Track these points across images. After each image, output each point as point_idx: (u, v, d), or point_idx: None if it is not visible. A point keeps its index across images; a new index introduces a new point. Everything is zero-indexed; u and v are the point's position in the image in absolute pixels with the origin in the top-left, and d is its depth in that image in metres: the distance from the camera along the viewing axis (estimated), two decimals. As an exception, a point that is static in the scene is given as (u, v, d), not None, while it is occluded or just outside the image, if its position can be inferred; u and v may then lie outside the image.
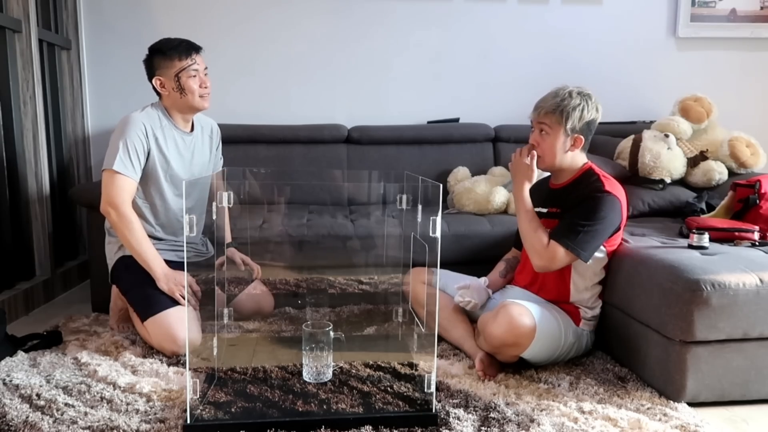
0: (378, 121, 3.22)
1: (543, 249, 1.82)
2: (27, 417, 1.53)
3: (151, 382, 1.74)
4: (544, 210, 1.96)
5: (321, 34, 3.22)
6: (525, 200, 1.91)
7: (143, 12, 3.11)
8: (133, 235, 1.98)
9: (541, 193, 2.03)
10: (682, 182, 2.82)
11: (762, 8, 3.40)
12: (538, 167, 1.95)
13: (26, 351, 1.99)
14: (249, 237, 2.40)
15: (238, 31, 3.17)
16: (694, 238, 1.91)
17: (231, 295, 2.21)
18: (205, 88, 2.08)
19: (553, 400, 1.67)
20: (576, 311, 1.91)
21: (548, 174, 2.05)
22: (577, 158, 1.92)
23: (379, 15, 3.23)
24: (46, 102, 2.79)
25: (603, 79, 3.27)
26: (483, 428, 1.51)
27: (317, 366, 1.73)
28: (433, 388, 1.57)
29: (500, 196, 2.68)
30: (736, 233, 2.04)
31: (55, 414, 1.55)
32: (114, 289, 2.18)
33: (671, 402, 1.69)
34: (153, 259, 1.99)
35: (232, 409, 1.55)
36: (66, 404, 1.60)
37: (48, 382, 1.74)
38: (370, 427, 1.49)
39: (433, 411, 1.55)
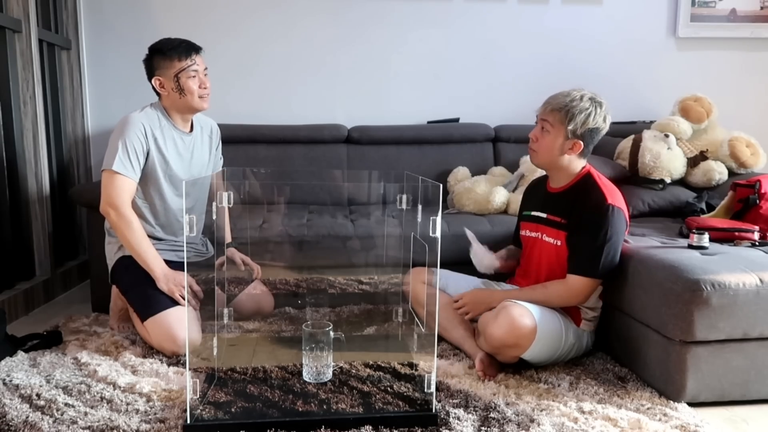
0: (378, 121, 3.22)
1: (567, 295, 1.85)
2: (27, 417, 1.53)
3: (151, 382, 1.74)
4: (543, 215, 1.95)
5: (321, 34, 3.22)
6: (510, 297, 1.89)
7: (143, 12, 3.11)
8: (133, 235, 1.98)
9: (538, 195, 2.03)
10: (682, 182, 2.82)
11: (762, 8, 3.40)
12: (532, 162, 1.96)
13: (26, 351, 1.99)
14: (249, 237, 2.40)
15: (238, 31, 3.17)
16: (694, 238, 1.91)
17: (231, 295, 2.21)
18: (205, 88, 2.08)
19: (553, 400, 1.67)
20: (577, 312, 1.91)
21: (544, 173, 2.05)
22: (574, 162, 1.90)
23: (379, 15, 3.23)
24: (46, 102, 2.79)
25: (603, 79, 3.27)
26: (483, 428, 1.51)
27: (317, 366, 1.73)
28: (433, 388, 1.57)
29: (500, 196, 2.68)
30: (736, 233, 2.04)
31: (55, 414, 1.55)
32: (114, 289, 2.18)
33: (671, 402, 1.69)
34: (153, 260, 1.99)
35: (232, 409, 1.55)
36: (66, 404, 1.60)
37: (48, 382, 1.74)
38: (370, 427, 1.49)
39: (433, 411, 1.55)
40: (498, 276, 2.15)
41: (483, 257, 2.12)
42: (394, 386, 1.71)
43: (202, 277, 2.11)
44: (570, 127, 1.83)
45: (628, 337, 1.89)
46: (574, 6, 3.32)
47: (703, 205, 2.55)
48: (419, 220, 1.84)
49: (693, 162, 2.80)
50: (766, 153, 2.82)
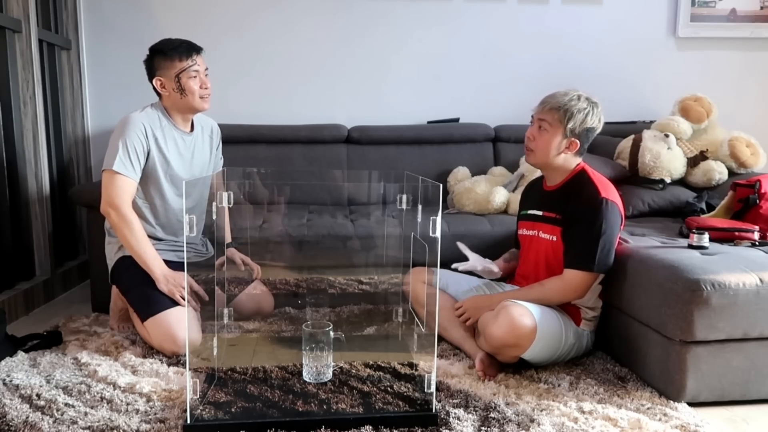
0: (378, 121, 3.22)
1: (564, 291, 1.85)
2: (27, 417, 1.53)
3: (151, 382, 1.74)
4: (540, 213, 1.96)
5: (321, 34, 3.22)
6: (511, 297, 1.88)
7: (143, 12, 3.11)
8: (133, 235, 1.98)
9: (535, 194, 2.04)
10: (682, 182, 2.82)
11: (762, 8, 3.40)
12: (527, 161, 1.97)
13: (26, 351, 1.99)
14: (249, 237, 2.40)
15: (238, 31, 3.17)
16: (694, 238, 1.91)
17: (231, 295, 2.21)
18: (206, 89, 2.08)
19: (553, 400, 1.67)
20: (577, 311, 1.91)
21: (540, 174, 2.05)
22: (569, 161, 1.92)
23: (379, 15, 3.23)
24: (46, 102, 2.79)
25: (603, 79, 3.27)
26: (483, 428, 1.51)
27: (317, 366, 1.73)
28: (433, 388, 1.57)
29: (500, 196, 2.68)
30: (736, 233, 2.04)
31: (55, 414, 1.55)
32: (114, 289, 2.18)
33: (671, 402, 1.69)
34: (153, 260, 1.99)
35: (232, 409, 1.55)
36: (66, 404, 1.60)
37: (48, 382, 1.74)
38: (370, 427, 1.49)
39: (433, 411, 1.55)
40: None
41: (478, 266, 2.10)
42: (394, 386, 1.71)
43: (202, 277, 2.11)
44: (569, 126, 1.85)
45: (628, 337, 1.89)
46: (574, 6, 3.32)
47: (703, 205, 2.55)
48: (419, 220, 1.84)
49: (693, 162, 2.80)
50: (766, 153, 2.82)
